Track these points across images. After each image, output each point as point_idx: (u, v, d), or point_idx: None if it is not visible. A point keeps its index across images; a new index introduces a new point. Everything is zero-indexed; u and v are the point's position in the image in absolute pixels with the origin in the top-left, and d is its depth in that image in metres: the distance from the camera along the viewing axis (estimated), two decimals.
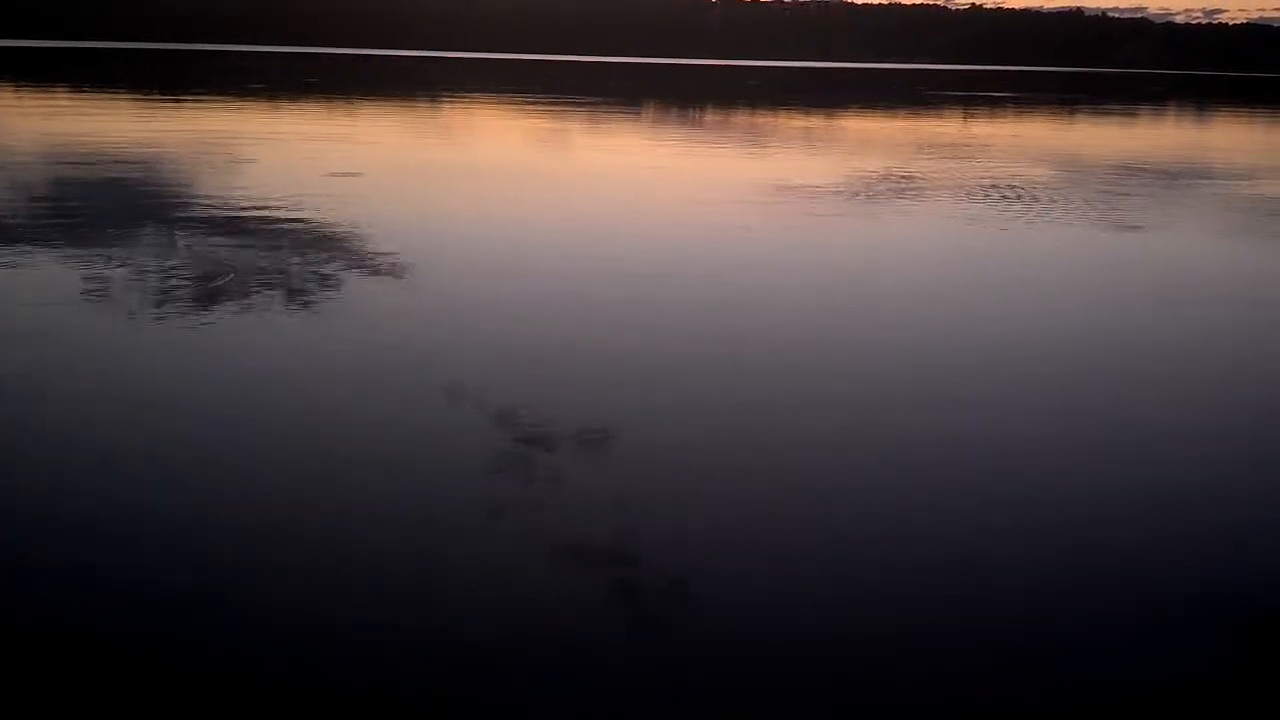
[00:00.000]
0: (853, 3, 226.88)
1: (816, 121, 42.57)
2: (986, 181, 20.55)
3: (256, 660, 4.32)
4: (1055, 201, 17.98)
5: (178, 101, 40.39)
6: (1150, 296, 11.31)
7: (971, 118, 46.57)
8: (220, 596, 4.75)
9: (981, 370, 8.50)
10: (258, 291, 10.08)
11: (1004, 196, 18.38)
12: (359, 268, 11.21)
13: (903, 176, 21.28)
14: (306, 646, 4.44)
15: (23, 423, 6.71)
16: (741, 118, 43.84)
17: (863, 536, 5.51)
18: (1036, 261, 13.02)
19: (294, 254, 11.85)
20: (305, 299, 9.89)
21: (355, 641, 4.47)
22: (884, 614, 4.79)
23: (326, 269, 11.11)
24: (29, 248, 11.75)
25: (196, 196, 15.87)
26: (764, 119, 43.08)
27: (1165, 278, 12.42)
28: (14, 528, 5.36)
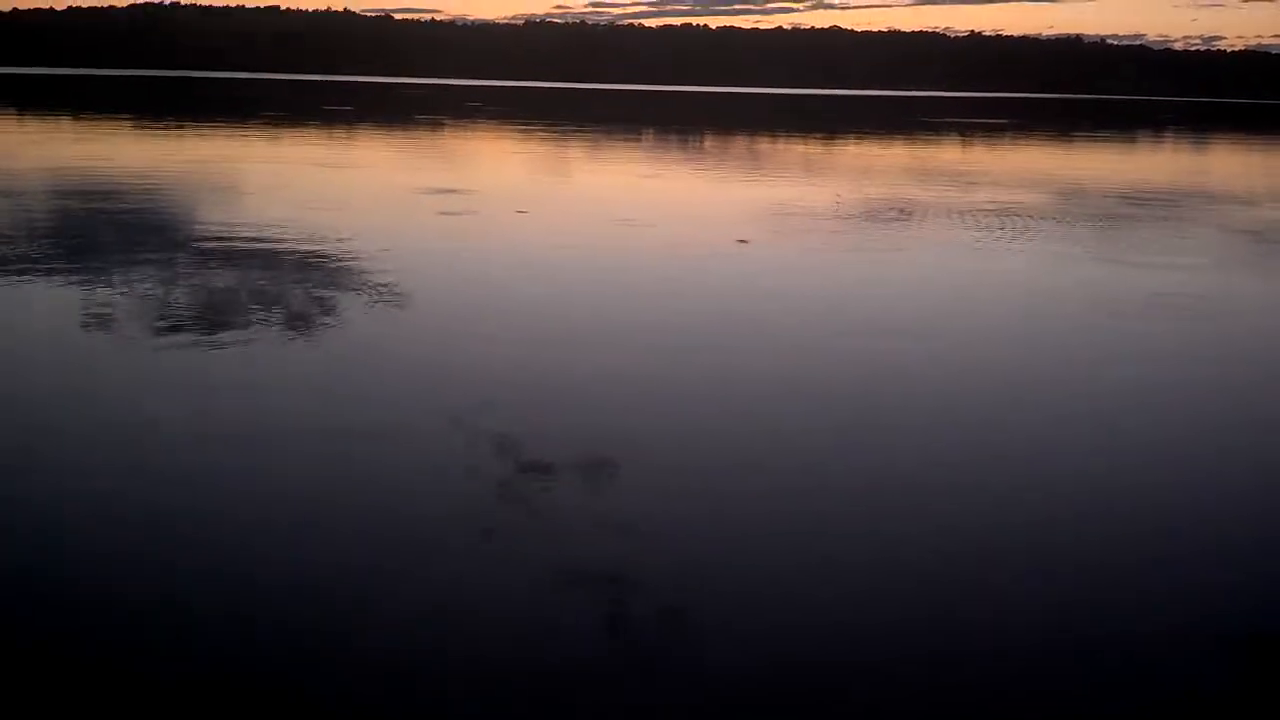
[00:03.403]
0: (852, 30, 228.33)
1: (817, 148, 42.72)
2: (986, 209, 20.59)
3: (254, 676, 4.35)
4: (1053, 230, 18.07)
5: (185, 128, 40.57)
6: (1149, 314, 11.36)
7: (970, 144, 46.71)
8: (216, 610, 4.78)
9: (980, 392, 8.54)
10: (254, 317, 10.10)
11: (1003, 225, 18.42)
12: (362, 293, 11.23)
13: (901, 203, 21.32)
14: (302, 663, 4.46)
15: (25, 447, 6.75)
16: (742, 143, 44.01)
17: (861, 563, 5.52)
18: (1033, 291, 13.07)
19: (294, 280, 11.87)
20: (305, 325, 9.90)
21: (349, 661, 4.48)
22: (886, 638, 4.79)
23: (328, 295, 11.11)
24: (29, 273, 11.82)
25: (202, 224, 15.94)
26: (766, 145, 43.27)
27: (1168, 299, 12.45)
28: (17, 539, 5.41)
